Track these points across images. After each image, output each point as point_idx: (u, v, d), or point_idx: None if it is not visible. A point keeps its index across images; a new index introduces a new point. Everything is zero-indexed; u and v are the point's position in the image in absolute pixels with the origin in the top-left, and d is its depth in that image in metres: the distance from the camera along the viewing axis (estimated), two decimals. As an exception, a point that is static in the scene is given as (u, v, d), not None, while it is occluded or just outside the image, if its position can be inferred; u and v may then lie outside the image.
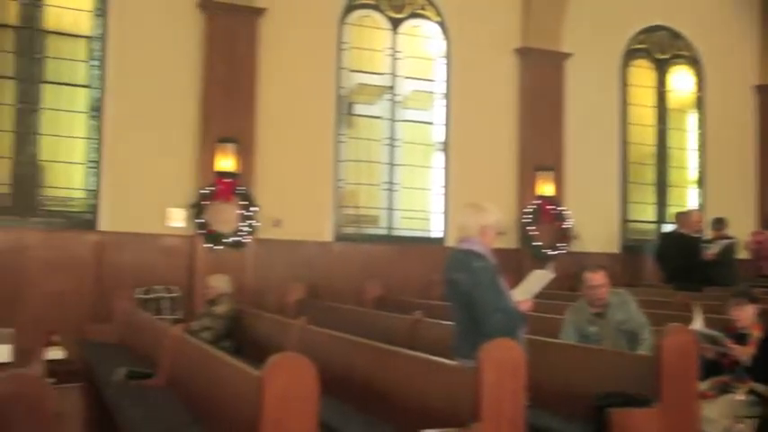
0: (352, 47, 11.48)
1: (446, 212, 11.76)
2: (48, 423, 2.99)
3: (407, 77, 11.87)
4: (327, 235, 10.97)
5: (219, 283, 8.04)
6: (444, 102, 11.97)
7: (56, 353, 8.47)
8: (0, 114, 9.51)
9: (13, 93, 9.55)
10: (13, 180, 9.51)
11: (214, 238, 9.84)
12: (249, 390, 3.27)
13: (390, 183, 11.57)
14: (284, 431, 3.03)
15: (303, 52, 10.86)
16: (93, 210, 9.75)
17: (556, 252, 11.90)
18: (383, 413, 4.53)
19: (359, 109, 11.60)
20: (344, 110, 11.36)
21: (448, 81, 11.98)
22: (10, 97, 9.53)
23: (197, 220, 9.83)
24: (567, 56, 12.38)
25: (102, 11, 9.92)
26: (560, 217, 12.10)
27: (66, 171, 9.85)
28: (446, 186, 11.80)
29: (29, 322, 8.60)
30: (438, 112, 12.01)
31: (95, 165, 9.80)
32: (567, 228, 12.12)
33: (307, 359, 3.13)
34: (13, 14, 9.62)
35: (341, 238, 11.10)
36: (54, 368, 6.75)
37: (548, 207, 12.02)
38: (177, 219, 9.97)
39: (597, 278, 5.90)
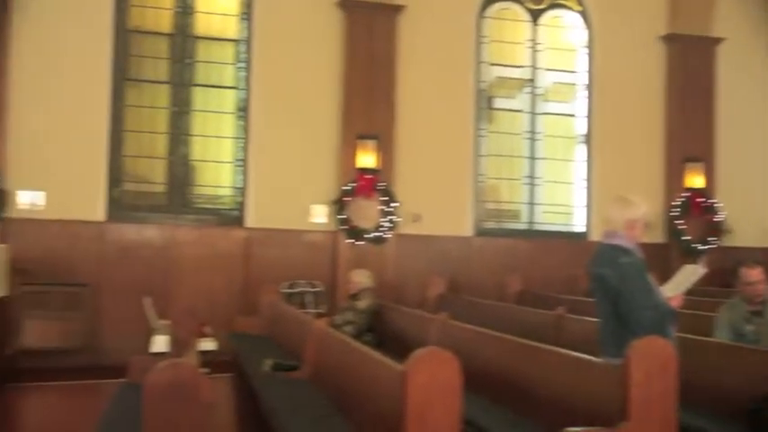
0: (492, 40, 11.36)
1: (589, 206, 11.46)
2: (202, 411, 3.08)
3: (548, 69, 11.64)
4: (467, 230, 10.91)
5: (361, 277, 8.14)
6: (586, 93, 11.65)
7: (208, 344, 8.82)
8: (156, 117, 10.05)
9: (167, 96, 10.06)
10: (167, 179, 10.02)
11: (356, 233, 9.98)
12: (392, 383, 3.28)
13: (531, 177, 11.37)
14: (427, 425, 3.03)
15: (442, 47, 10.85)
16: (241, 207, 10.11)
17: (706, 247, 11.36)
18: (525, 409, 4.45)
19: (499, 103, 11.48)
20: (484, 104, 11.26)
21: (590, 72, 11.66)
22: (164, 101, 10.05)
23: (339, 216, 10.00)
24: (718, 41, 11.78)
25: (247, 15, 10.26)
26: (711, 210, 11.53)
27: (216, 170, 10.26)
28: (589, 180, 11.50)
29: (182, 314, 8.98)
30: (580, 103, 11.71)
31: (242, 163, 10.15)
32: (719, 221, 11.54)
33: (450, 354, 3.11)
34: (167, 23, 10.13)
35: (481, 232, 11.02)
36: (206, 359, 7.03)
37: (697, 200, 11.48)
38: (320, 215, 10.17)
39: (755, 274, 5.59)
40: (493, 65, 11.34)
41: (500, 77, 11.45)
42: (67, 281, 9.27)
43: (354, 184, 9.99)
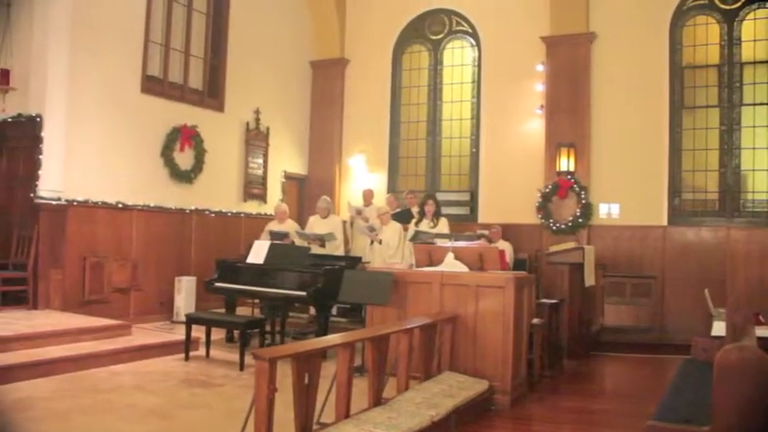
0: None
1: None
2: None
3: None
4: None
5: None
6: None
7: (762, 331, 9.78)
8: (707, 136, 11.51)
9: (716, 118, 11.45)
10: (719, 188, 11.41)
11: None
12: None
13: None
14: None
15: None
16: (791, 208, 10.94)
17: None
18: None
19: None
20: None
21: None
22: (714, 122, 11.46)
23: None
24: None
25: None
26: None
27: (764, 178, 11.21)
28: None
29: (738, 303, 10.15)
30: None
31: (789, 169, 11.00)
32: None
33: None
34: (714, 56, 11.53)
35: None
36: (762, 344, 7.93)
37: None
38: None
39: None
40: None
41: None
42: (638, 273, 11.33)
43: None
